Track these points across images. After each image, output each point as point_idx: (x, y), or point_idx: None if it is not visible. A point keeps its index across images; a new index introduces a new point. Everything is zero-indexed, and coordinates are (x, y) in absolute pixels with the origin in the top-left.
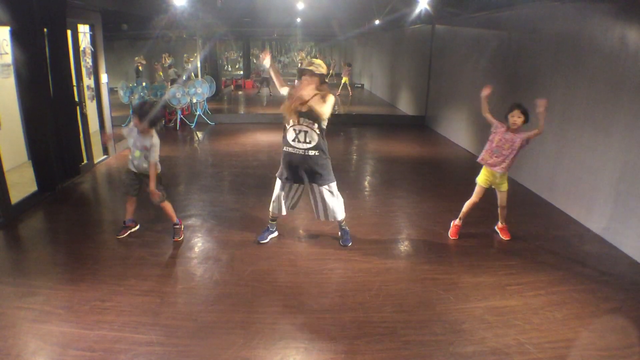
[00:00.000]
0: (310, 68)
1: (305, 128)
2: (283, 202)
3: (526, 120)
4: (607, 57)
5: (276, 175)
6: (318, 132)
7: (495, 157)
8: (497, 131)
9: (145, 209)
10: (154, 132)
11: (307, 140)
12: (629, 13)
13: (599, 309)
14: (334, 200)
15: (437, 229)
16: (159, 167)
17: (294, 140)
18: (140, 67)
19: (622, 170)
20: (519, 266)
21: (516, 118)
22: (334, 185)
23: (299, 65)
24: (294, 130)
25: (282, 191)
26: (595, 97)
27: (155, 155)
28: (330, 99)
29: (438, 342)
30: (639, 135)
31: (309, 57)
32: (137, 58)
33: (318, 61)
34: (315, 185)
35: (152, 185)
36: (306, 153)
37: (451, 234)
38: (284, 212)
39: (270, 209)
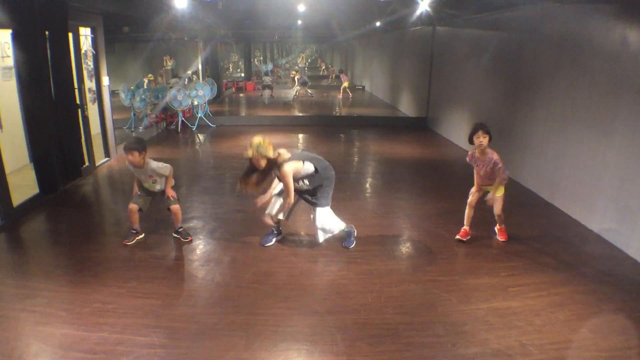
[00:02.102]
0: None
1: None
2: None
3: (490, 139)
4: (608, 58)
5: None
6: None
7: (489, 179)
8: (477, 162)
9: (147, 211)
10: (147, 160)
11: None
12: (630, 14)
13: (600, 310)
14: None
15: (439, 231)
16: (171, 168)
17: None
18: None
19: (624, 171)
20: (521, 267)
21: (481, 139)
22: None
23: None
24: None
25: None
26: (596, 98)
27: (164, 168)
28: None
29: (440, 344)
30: None
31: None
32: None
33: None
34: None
35: (168, 188)
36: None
37: (461, 235)
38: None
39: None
